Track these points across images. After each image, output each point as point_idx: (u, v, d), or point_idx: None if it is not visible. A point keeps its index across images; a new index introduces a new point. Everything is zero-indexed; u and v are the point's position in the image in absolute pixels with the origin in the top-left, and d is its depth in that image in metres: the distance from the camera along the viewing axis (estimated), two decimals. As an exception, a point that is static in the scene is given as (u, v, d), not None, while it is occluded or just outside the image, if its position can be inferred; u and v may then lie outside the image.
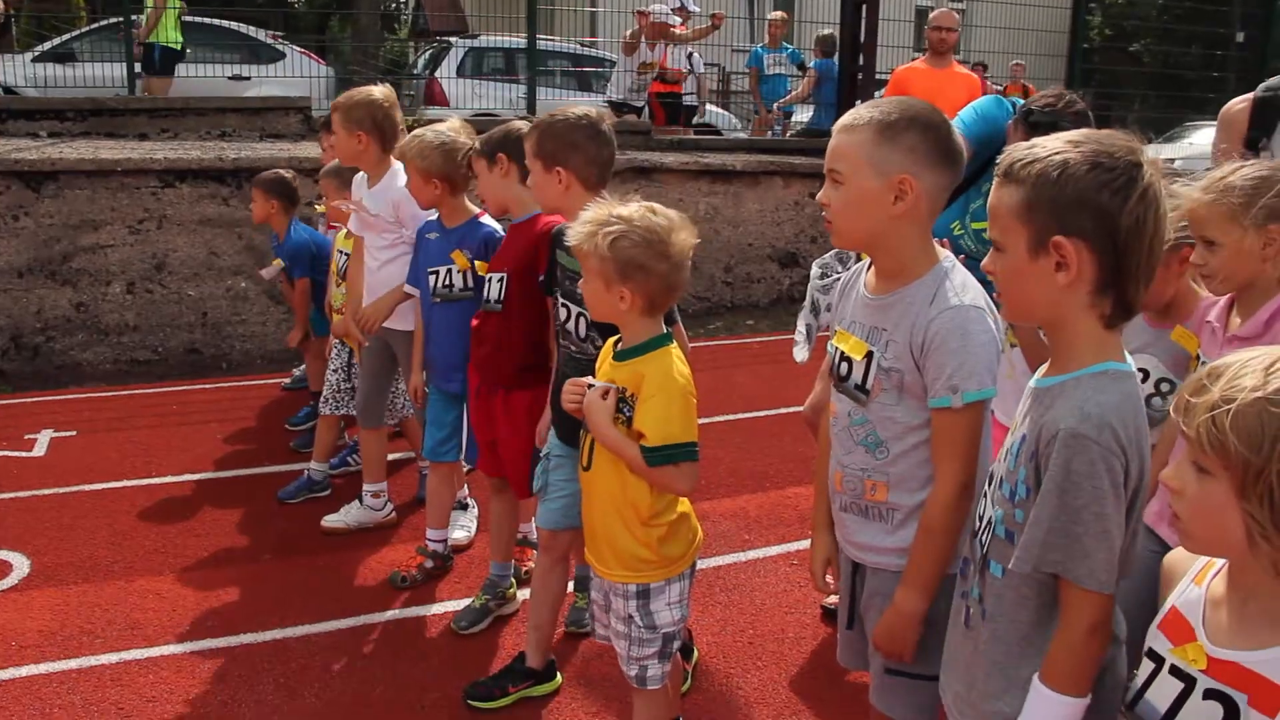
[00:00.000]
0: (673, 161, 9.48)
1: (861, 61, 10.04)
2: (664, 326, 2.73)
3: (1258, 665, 1.46)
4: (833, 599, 3.84)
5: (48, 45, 12.25)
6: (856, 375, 2.36)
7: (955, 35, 7.83)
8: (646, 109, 11.35)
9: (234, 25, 13.42)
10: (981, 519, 2.02)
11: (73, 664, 3.72)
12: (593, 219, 2.66)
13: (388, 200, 4.43)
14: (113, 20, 11.54)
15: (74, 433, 6.17)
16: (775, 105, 12.61)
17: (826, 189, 2.32)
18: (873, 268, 2.42)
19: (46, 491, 5.27)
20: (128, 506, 5.09)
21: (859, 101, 9.96)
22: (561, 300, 3.32)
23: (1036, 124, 3.54)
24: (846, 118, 2.32)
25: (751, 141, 11.41)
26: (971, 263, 3.71)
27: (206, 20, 13.25)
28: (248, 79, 12.16)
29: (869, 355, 2.33)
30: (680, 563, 2.77)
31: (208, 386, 7.27)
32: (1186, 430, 1.47)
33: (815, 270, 3.92)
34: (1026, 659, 1.89)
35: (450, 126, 4.13)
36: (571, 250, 2.89)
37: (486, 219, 4.17)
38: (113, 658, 3.76)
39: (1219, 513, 1.46)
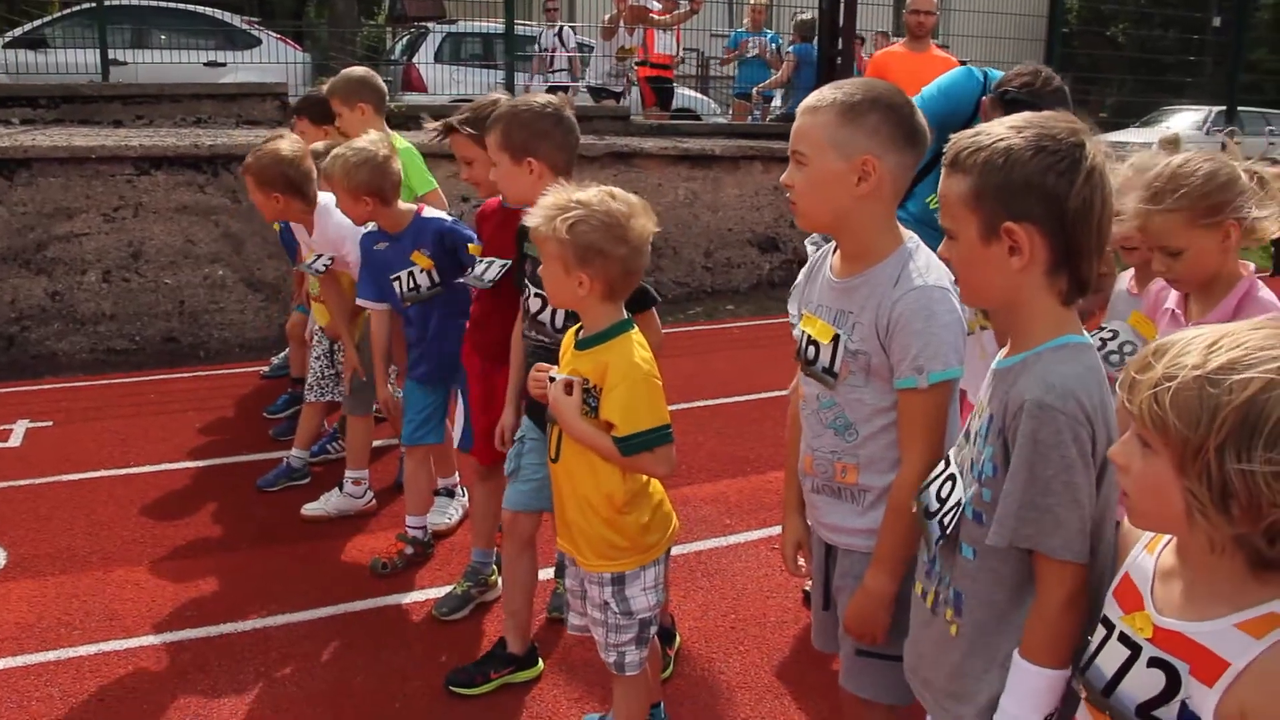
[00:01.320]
0: (652, 147, 9.46)
1: (840, 46, 10.02)
2: (625, 312, 2.72)
3: (1200, 636, 1.48)
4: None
5: (19, 31, 12.10)
6: (824, 358, 2.37)
7: (933, 19, 7.82)
8: (627, 93, 11.32)
9: (209, 11, 13.29)
10: (944, 501, 2.02)
11: (50, 656, 3.70)
12: (551, 204, 2.65)
13: (329, 243, 4.49)
14: (86, 6, 11.41)
15: (50, 423, 6.12)
16: (755, 90, 12.59)
17: (790, 170, 2.32)
18: (838, 251, 2.43)
19: (23, 482, 5.22)
20: (105, 497, 5.06)
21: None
22: (536, 291, 3.29)
23: (1014, 102, 3.51)
24: (810, 99, 2.31)
25: (731, 126, 11.40)
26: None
27: (182, 6, 13.14)
28: (223, 65, 12.06)
29: (836, 339, 2.33)
30: (655, 548, 2.78)
31: (185, 375, 7.21)
32: (1130, 407, 1.49)
33: (810, 247, 3.90)
34: (1006, 636, 1.91)
35: (369, 140, 4.07)
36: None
37: (428, 211, 4.16)
38: (91, 649, 3.74)
39: (1162, 489, 1.47)
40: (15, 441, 5.80)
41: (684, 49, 13.03)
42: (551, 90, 11.48)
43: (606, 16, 11.28)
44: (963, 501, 1.96)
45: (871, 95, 2.25)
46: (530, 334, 3.32)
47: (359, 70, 5.28)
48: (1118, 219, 2.69)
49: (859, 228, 2.31)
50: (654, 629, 2.87)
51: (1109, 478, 1.84)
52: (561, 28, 12.17)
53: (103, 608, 4.02)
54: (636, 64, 11.24)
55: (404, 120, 9.12)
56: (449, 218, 4.25)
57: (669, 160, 9.50)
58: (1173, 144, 3.06)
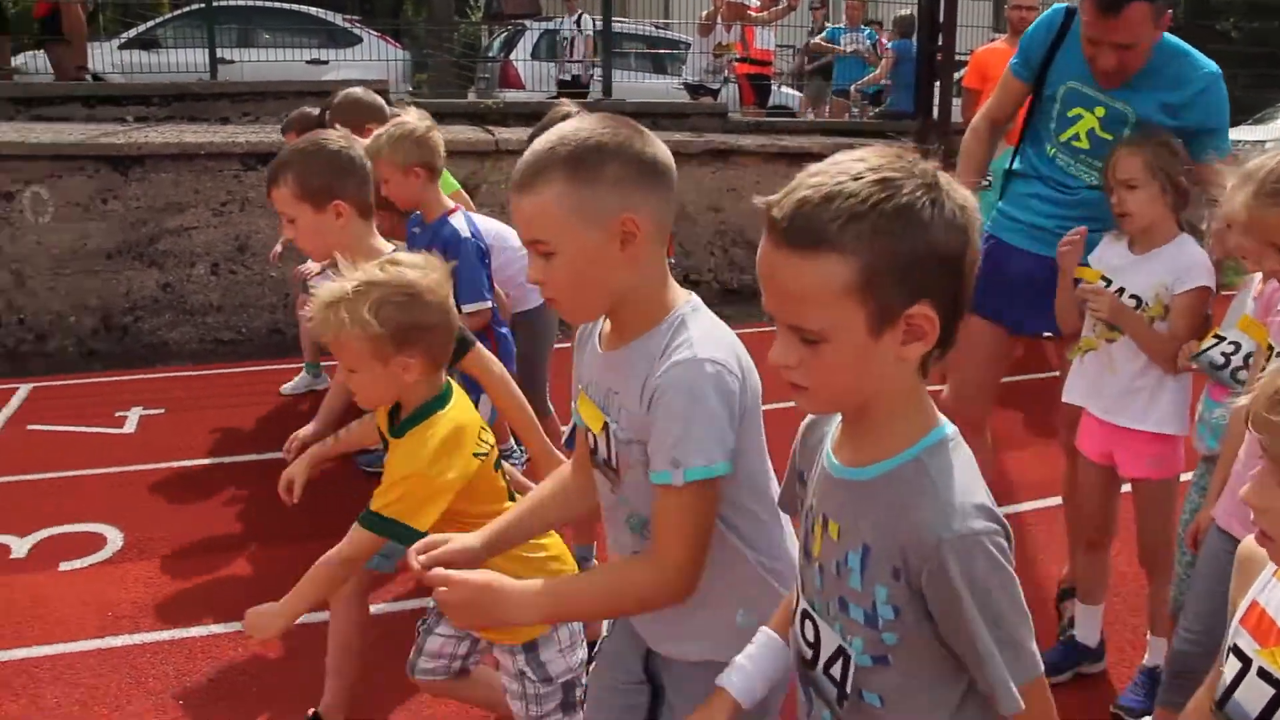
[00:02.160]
0: (750, 144, 9.39)
1: (940, 42, 9.86)
2: (444, 377, 2.52)
3: None
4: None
5: (133, 32, 12.50)
6: (602, 450, 1.94)
7: (1035, 14, 7.66)
8: (725, 90, 11.28)
9: (311, 9, 13.59)
10: (815, 645, 1.61)
11: (165, 635, 3.82)
12: (333, 298, 2.34)
13: None
14: (195, 7, 11.73)
15: (162, 410, 6.30)
16: (853, 87, 12.47)
17: (535, 264, 1.84)
18: (608, 318, 1.98)
19: (137, 467, 5.39)
20: (215, 483, 5.20)
21: (938, 84, 9.78)
22: None
23: None
24: (519, 174, 1.82)
25: (828, 124, 11.27)
26: (1090, 193, 3.46)
27: (285, 5, 13.45)
28: (325, 63, 12.31)
29: (605, 427, 1.91)
30: None
31: (291, 366, 7.35)
32: (1270, 449, 1.36)
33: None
34: None
35: (413, 116, 3.92)
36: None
37: (454, 218, 3.85)
38: (202, 631, 3.86)
39: None
40: (130, 428, 5.99)
41: (779, 45, 12.95)
42: (571, 82, 11.39)
43: (704, 13, 11.26)
44: (849, 652, 1.54)
45: (593, 141, 1.79)
46: None
47: (355, 90, 5.05)
48: (1229, 225, 2.59)
49: (636, 297, 1.86)
50: (580, 691, 2.55)
51: None
52: (580, 15, 12.15)
53: (213, 591, 4.13)
54: (736, 60, 11.19)
55: (501, 118, 9.23)
56: (469, 230, 3.87)
57: (767, 157, 9.41)
58: None
